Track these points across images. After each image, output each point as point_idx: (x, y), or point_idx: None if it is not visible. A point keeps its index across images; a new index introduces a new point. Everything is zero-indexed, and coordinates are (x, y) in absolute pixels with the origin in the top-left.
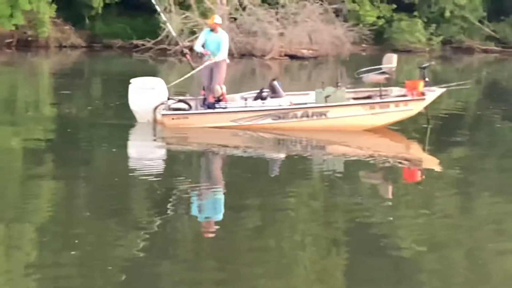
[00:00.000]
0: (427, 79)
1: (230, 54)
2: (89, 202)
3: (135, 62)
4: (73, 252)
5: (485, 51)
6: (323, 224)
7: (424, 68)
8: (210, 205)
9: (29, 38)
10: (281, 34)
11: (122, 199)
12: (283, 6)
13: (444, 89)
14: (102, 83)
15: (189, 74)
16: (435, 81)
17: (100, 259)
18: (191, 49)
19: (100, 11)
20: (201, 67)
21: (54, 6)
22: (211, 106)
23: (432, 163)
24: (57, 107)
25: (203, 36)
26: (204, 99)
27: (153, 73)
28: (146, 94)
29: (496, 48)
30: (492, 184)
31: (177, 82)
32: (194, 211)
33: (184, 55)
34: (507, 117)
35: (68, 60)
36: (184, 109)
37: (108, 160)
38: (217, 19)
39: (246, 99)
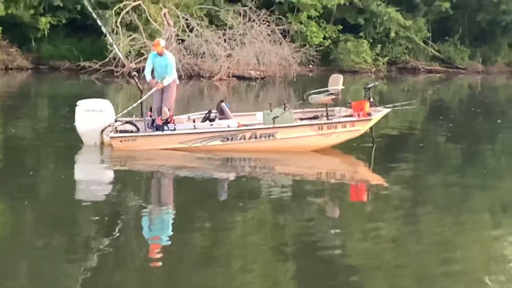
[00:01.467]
0: (372, 99)
1: (178, 76)
2: (35, 226)
3: (82, 84)
4: (22, 280)
5: (430, 71)
6: (271, 246)
7: (369, 88)
8: (158, 227)
9: None
10: (229, 55)
11: (69, 224)
12: (230, 28)
13: (389, 109)
14: (48, 105)
15: (138, 102)
16: (381, 101)
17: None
18: (138, 71)
19: (46, 33)
20: (150, 92)
21: (0, 28)
22: (159, 128)
23: (378, 182)
24: (2, 129)
25: (150, 61)
26: (153, 121)
27: (100, 94)
28: (93, 116)
29: (440, 68)
30: (438, 203)
31: (131, 108)
32: (142, 234)
33: (131, 77)
34: (451, 135)
35: (14, 82)
36: (131, 131)
37: (54, 183)
38: (162, 42)
39: (194, 120)
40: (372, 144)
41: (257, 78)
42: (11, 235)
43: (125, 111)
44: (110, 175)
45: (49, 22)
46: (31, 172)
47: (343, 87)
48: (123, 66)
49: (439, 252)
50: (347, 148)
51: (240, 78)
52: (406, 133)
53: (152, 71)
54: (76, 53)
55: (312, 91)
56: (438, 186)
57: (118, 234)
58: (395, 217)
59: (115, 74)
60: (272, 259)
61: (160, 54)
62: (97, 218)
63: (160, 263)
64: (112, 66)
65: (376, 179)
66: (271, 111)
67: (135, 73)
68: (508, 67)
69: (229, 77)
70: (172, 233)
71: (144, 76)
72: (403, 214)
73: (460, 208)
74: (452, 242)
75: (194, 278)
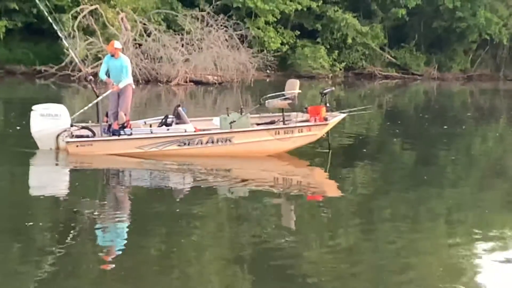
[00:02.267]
0: (328, 104)
1: (135, 80)
2: None
3: (38, 88)
4: None
5: (386, 77)
6: (227, 255)
7: (325, 93)
8: (113, 233)
9: None
10: (186, 60)
11: (22, 229)
12: (188, 32)
13: (345, 114)
14: (3, 109)
15: (94, 102)
16: (338, 107)
17: None
18: (95, 75)
19: (2, 36)
20: (105, 94)
21: None
22: (116, 132)
23: (334, 188)
24: None
25: (105, 63)
26: (109, 126)
27: (56, 99)
28: (48, 121)
29: (396, 74)
30: (394, 210)
31: (83, 111)
32: (97, 240)
33: (88, 81)
34: (407, 141)
35: None
36: (87, 136)
37: (8, 188)
38: (116, 44)
39: (150, 125)
40: (328, 150)
41: (215, 83)
42: None
43: (80, 111)
44: (65, 180)
45: (5, 26)
46: None
47: (299, 92)
48: (80, 70)
49: (395, 260)
50: (304, 153)
51: (197, 83)
52: (362, 138)
53: (108, 74)
54: (32, 57)
55: (268, 96)
56: (394, 192)
57: (72, 241)
58: (351, 224)
59: (72, 78)
60: (228, 268)
61: (114, 56)
62: (51, 224)
63: (114, 271)
64: (68, 70)
65: (332, 185)
66: (228, 115)
67: (91, 77)
68: (463, 73)
69: (186, 82)
70: (127, 239)
71: (100, 79)
72: (359, 221)
73: (415, 215)
74: (408, 250)
75: (149, 285)
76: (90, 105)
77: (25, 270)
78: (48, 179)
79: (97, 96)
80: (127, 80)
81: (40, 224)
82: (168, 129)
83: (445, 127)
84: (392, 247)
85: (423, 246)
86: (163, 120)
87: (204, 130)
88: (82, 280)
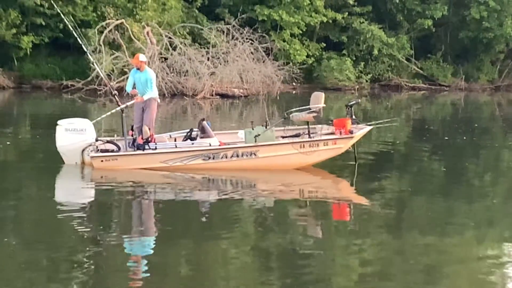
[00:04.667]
0: (354, 116)
1: (161, 94)
2: (18, 246)
3: (64, 103)
4: None
5: (413, 88)
6: (257, 268)
7: (351, 106)
8: (140, 250)
9: None
10: (212, 73)
11: (50, 245)
12: (213, 46)
13: (371, 127)
14: (30, 124)
15: (114, 110)
16: (365, 119)
17: None
18: (120, 90)
19: (28, 52)
20: (129, 103)
21: None
22: (140, 147)
23: (361, 201)
24: None
25: (131, 76)
26: (133, 140)
27: (82, 113)
28: (73, 136)
29: (423, 85)
30: (422, 222)
31: (103, 118)
32: (125, 257)
33: (112, 95)
34: (434, 153)
35: None
36: (112, 151)
37: (35, 204)
38: (141, 57)
39: (175, 139)
40: (354, 162)
41: (241, 96)
42: None
43: (97, 119)
44: (91, 195)
45: (32, 41)
46: (13, 192)
47: (324, 105)
48: (106, 85)
49: (423, 272)
50: (330, 166)
51: (223, 96)
52: (389, 151)
53: (134, 88)
54: (59, 72)
55: (293, 109)
56: (422, 205)
57: (98, 258)
58: (379, 238)
59: (98, 92)
60: (258, 281)
61: (139, 69)
62: (77, 240)
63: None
64: (95, 85)
65: (358, 198)
66: (252, 129)
67: (115, 92)
68: (491, 84)
69: (212, 95)
70: (154, 257)
71: (126, 93)
72: (387, 234)
73: (444, 228)
74: (436, 264)
75: None
76: (109, 112)
77: (52, 285)
78: (73, 195)
79: (122, 111)
80: (152, 92)
81: (66, 240)
82: (192, 143)
83: (474, 138)
84: (421, 260)
85: (452, 260)
86: (188, 134)
87: (229, 144)
88: None
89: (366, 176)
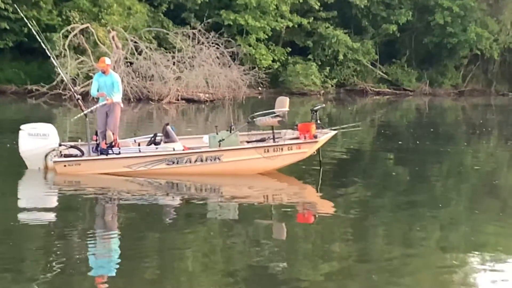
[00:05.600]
0: (319, 121)
1: (127, 99)
2: None
3: (29, 108)
4: None
5: (378, 93)
6: (220, 272)
7: (316, 110)
8: (104, 254)
9: None
10: (178, 78)
11: (14, 252)
12: (179, 50)
13: (336, 131)
14: None
15: (82, 114)
16: (330, 123)
17: None
18: (86, 94)
19: None
20: (97, 106)
21: None
22: (104, 152)
23: (325, 205)
24: None
25: (96, 80)
26: (97, 145)
27: (47, 118)
28: (36, 141)
29: (388, 90)
30: (386, 227)
31: (81, 115)
32: (88, 261)
33: (76, 100)
34: (399, 157)
35: None
36: (76, 155)
37: None
38: (107, 60)
39: (139, 144)
40: (319, 167)
41: (206, 100)
42: None
43: (77, 117)
44: (53, 200)
45: None
46: None
47: (288, 109)
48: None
49: (388, 280)
50: (294, 171)
51: (189, 101)
52: (354, 155)
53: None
54: (23, 77)
55: (257, 114)
56: (387, 210)
57: (61, 263)
58: (343, 242)
59: (63, 97)
60: (222, 282)
61: (104, 72)
62: (39, 244)
63: None
64: (60, 89)
65: (323, 203)
66: (217, 133)
67: (78, 96)
68: (455, 89)
69: (178, 100)
70: (118, 260)
71: (92, 97)
72: (351, 239)
73: (408, 234)
74: (400, 270)
75: None
76: (79, 115)
77: None
78: (35, 199)
79: (85, 116)
80: (118, 95)
81: (28, 244)
82: (156, 148)
83: (438, 143)
84: (385, 267)
85: (416, 266)
86: (152, 139)
87: (193, 148)
88: None
89: (331, 181)
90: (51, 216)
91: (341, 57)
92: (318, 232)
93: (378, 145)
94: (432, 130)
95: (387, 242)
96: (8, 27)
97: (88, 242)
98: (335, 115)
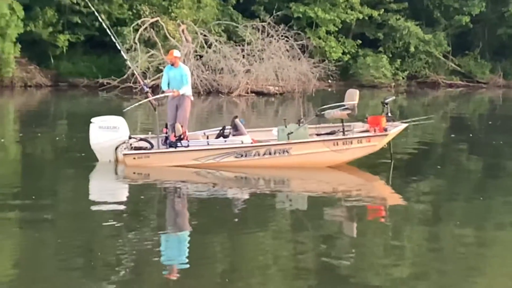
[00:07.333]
0: (389, 114)
1: (196, 92)
2: (53, 245)
3: (101, 101)
4: None
5: (450, 85)
6: (291, 267)
7: (386, 103)
8: (175, 248)
9: None
10: (247, 71)
11: (86, 242)
12: (249, 43)
13: (406, 124)
14: (67, 122)
15: (144, 100)
16: (401, 116)
17: None
18: (156, 87)
19: (65, 50)
20: (161, 95)
21: (19, 46)
22: (173, 144)
23: (396, 199)
24: (21, 147)
25: (166, 73)
26: (166, 138)
27: (118, 111)
28: (107, 133)
29: (461, 82)
30: (460, 220)
31: (132, 107)
32: (159, 254)
33: (145, 93)
34: (472, 150)
35: (33, 99)
36: (146, 148)
37: (71, 202)
38: (175, 53)
39: (207, 137)
40: (390, 160)
41: (276, 93)
42: (32, 253)
43: (127, 108)
44: (124, 193)
45: (68, 40)
46: (48, 190)
47: (358, 102)
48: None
49: (462, 272)
50: (365, 164)
51: (258, 93)
52: (425, 148)
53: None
54: (95, 70)
55: (325, 107)
56: (459, 203)
57: (135, 253)
58: (415, 236)
59: (134, 90)
60: (290, 278)
61: (174, 65)
62: (112, 238)
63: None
64: (130, 83)
65: (394, 196)
66: (285, 126)
67: (147, 89)
68: None
69: (247, 93)
70: (189, 254)
71: (162, 90)
72: (423, 233)
73: (482, 226)
74: (474, 263)
75: None
76: (140, 102)
77: (89, 284)
78: (106, 192)
79: (154, 109)
80: (186, 88)
81: (101, 238)
82: (225, 141)
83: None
84: (459, 258)
85: (491, 258)
86: (220, 132)
87: (261, 141)
88: None
89: (402, 174)
90: (121, 210)
91: (412, 49)
92: (389, 226)
93: (450, 138)
94: (506, 123)
95: (459, 234)
96: (79, 21)
97: (159, 233)
98: (406, 107)
